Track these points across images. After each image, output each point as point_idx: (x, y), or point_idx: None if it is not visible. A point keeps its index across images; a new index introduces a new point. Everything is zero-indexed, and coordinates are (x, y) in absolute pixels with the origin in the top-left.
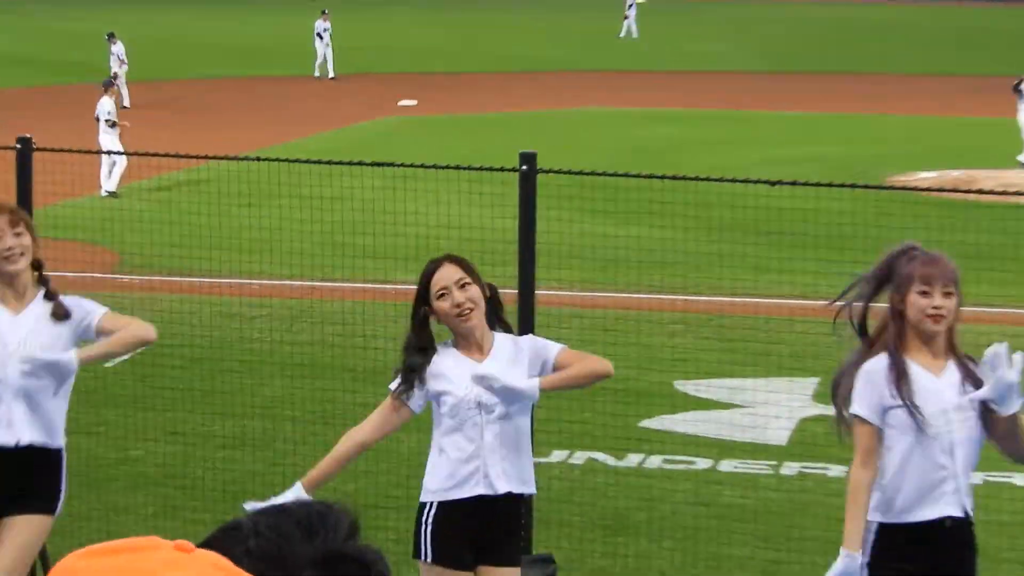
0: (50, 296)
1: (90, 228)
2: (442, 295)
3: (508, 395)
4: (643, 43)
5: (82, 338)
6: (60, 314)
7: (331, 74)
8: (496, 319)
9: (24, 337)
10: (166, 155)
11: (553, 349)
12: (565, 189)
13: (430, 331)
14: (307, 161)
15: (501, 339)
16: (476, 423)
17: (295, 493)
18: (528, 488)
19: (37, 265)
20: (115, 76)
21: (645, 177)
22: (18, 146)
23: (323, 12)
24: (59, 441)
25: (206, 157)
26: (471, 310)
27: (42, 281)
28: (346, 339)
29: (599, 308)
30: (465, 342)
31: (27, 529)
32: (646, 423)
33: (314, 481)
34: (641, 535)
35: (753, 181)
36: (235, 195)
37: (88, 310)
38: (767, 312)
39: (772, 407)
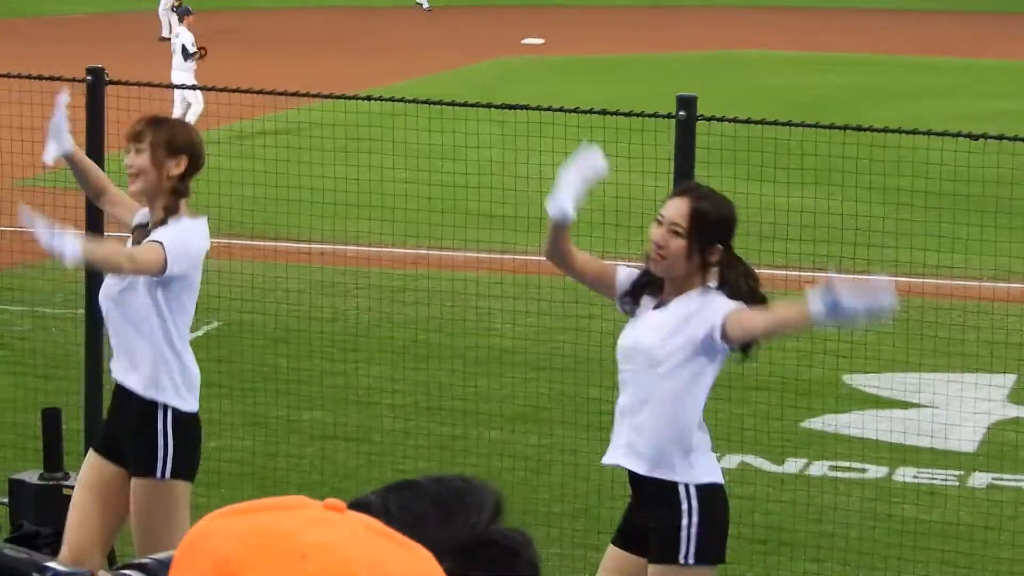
0: (156, 225)
1: None
2: (657, 221)
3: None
4: None
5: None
6: (133, 239)
7: (424, 3)
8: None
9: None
10: (258, 92)
11: (718, 312)
12: (715, 152)
13: None
14: (417, 102)
15: (690, 298)
16: (623, 378)
17: None
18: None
19: (177, 189)
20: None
21: (824, 127)
22: (89, 78)
23: None
24: (151, 391)
25: (302, 95)
26: (662, 258)
27: (167, 210)
28: (457, 318)
29: None
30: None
31: (135, 492)
32: (809, 423)
33: None
34: (802, 553)
35: (952, 134)
36: (327, 147)
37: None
38: (956, 295)
39: (959, 408)
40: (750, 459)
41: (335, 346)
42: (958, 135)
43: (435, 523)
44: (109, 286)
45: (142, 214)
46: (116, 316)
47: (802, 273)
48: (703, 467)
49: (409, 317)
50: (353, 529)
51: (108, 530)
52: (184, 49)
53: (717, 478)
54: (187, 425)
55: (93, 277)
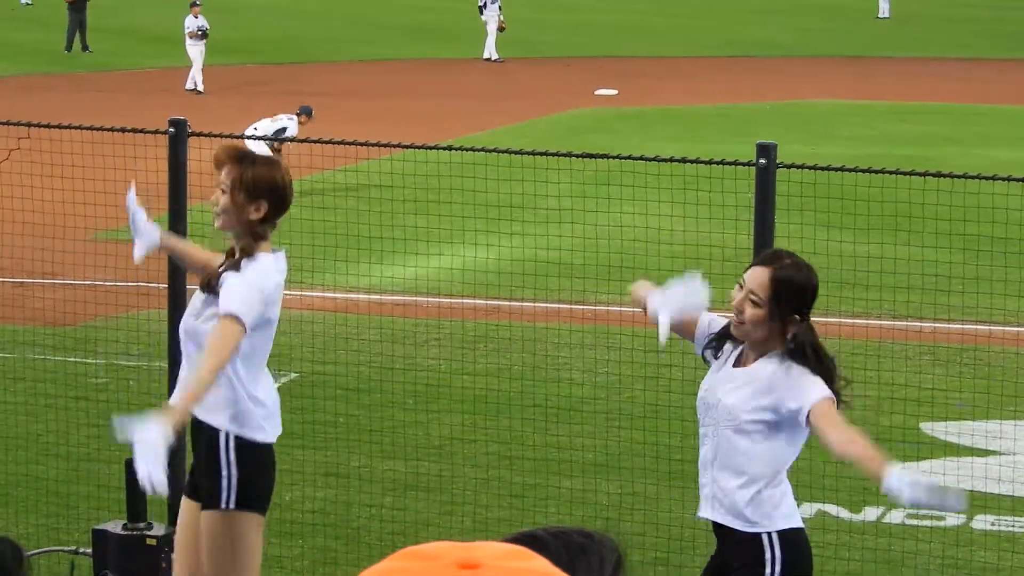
0: (229, 267)
1: None
2: (739, 286)
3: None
4: (892, 23)
5: None
6: (208, 287)
7: (494, 55)
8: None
9: (194, 298)
10: (338, 142)
11: (807, 396)
12: (794, 200)
13: None
14: (497, 151)
15: (770, 361)
16: (703, 431)
17: None
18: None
19: (254, 234)
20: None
21: (904, 174)
22: (171, 130)
23: None
24: (218, 419)
25: (381, 144)
26: (740, 323)
27: (244, 251)
28: (534, 369)
29: (832, 336)
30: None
31: (203, 524)
32: None
33: None
34: None
35: None
36: (403, 196)
37: (223, 294)
38: None
39: None
40: (828, 507)
41: (412, 396)
42: None
43: None
44: (188, 318)
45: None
46: (194, 349)
47: (882, 323)
48: (783, 514)
49: (485, 367)
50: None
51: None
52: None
53: (797, 523)
54: (254, 454)
55: (175, 326)
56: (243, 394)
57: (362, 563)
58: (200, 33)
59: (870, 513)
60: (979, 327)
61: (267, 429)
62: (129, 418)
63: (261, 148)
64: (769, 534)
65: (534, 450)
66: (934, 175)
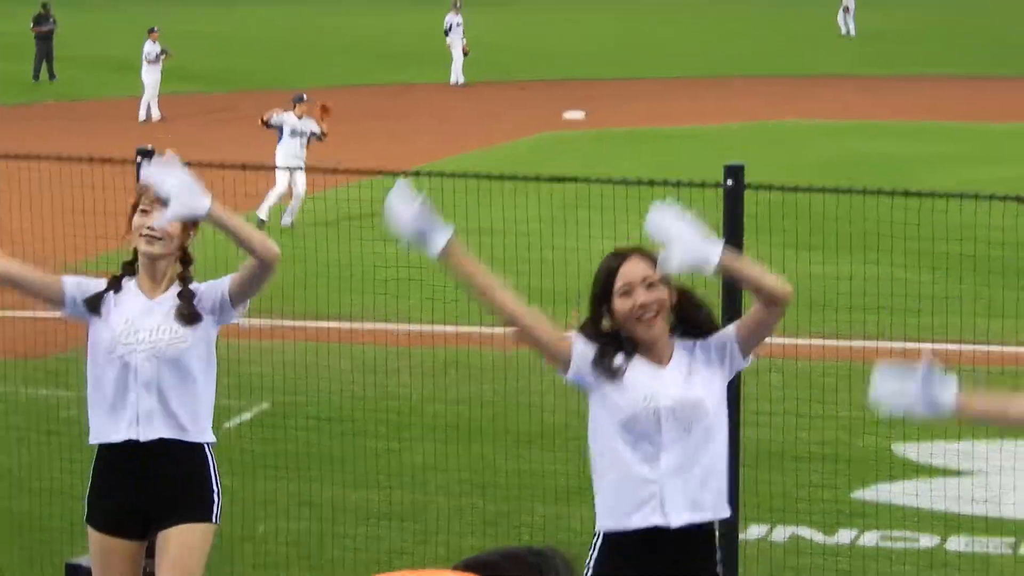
0: (184, 295)
1: (202, 264)
2: (625, 293)
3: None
4: (858, 42)
5: (222, 322)
6: (187, 316)
7: (460, 79)
8: (685, 326)
9: (157, 326)
10: (307, 169)
11: (731, 328)
12: (763, 221)
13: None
14: (466, 176)
15: (681, 346)
16: (663, 440)
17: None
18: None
19: (185, 259)
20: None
21: (872, 193)
22: (139, 159)
23: (455, 4)
24: (200, 435)
25: (349, 171)
26: (656, 314)
27: (182, 278)
28: (506, 396)
29: (803, 358)
30: (644, 349)
31: (181, 540)
32: (860, 494)
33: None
34: None
35: (1000, 198)
36: (369, 225)
37: (217, 287)
38: (1004, 362)
39: (1009, 475)
40: (801, 530)
41: (384, 425)
42: (1005, 198)
43: None
44: (159, 348)
45: (80, 283)
46: (169, 374)
47: (852, 343)
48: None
49: (457, 395)
50: None
51: None
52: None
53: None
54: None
55: None
56: (208, 403)
57: None
58: (156, 59)
59: (844, 536)
60: (949, 346)
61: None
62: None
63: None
64: (712, 523)
65: (507, 477)
66: (902, 194)
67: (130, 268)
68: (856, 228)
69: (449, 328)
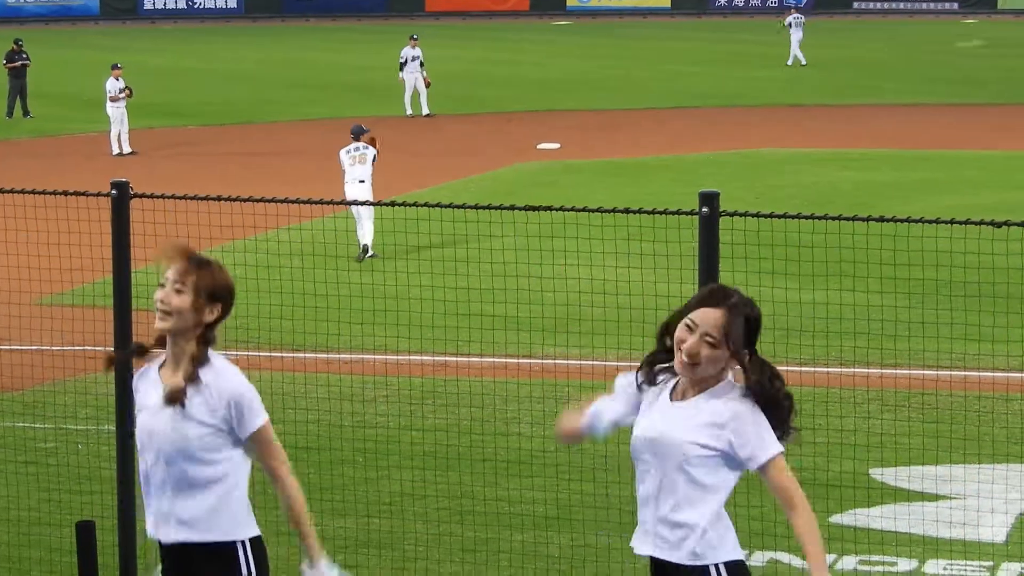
0: (186, 377)
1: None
2: (688, 328)
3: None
4: (812, 70)
5: (231, 436)
6: (169, 396)
7: (424, 110)
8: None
9: (166, 426)
10: (281, 201)
11: (763, 454)
12: (738, 248)
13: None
14: (441, 206)
15: (721, 391)
16: (642, 468)
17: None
18: None
19: (205, 339)
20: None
21: (847, 219)
22: (113, 192)
23: (412, 38)
24: (235, 533)
25: (325, 203)
26: (695, 365)
27: (194, 359)
28: (483, 423)
29: None
30: (677, 385)
31: None
32: (838, 518)
33: None
34: None
35: (976, 222)
36: (344, 255)
37: (243, 414)
38: (979, 388)
39: (986, 499)
40: (780, 555)
41: (361, 454)
42: (980, 223)
43: None
44: (166, 444)
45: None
46: (182, 464)
47: (829, 370)
48: (728, 546)
49: (434, 423)
50: None
51: None
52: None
53: (741, 555)
54: (263, 552)
55: (123, 393)
56: (244, 497)
57: None
58: (119, 94)
59: None
60: (926, 372)
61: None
62: None
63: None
64: (716, 566)
65: (485, 504)
66: (877, 220)
67: (160, 344)
68: (832, 255)
69: (426, 357)
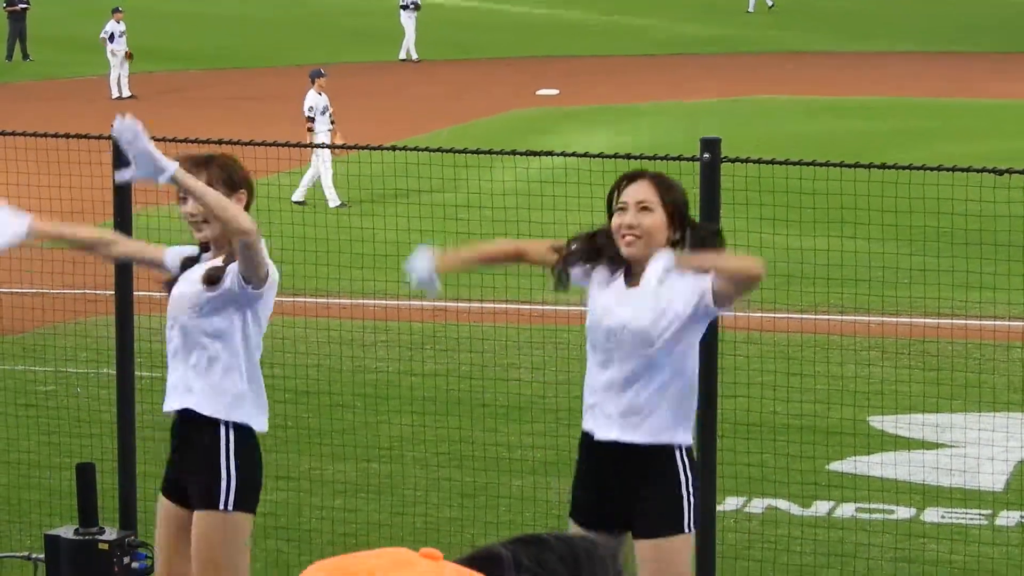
0: (228, 258)
1: (179, 240)
2: (620, 210)
3: None
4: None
5: (248, 301)
6: (210, 279)
7: (414, 56)
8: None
9: (184, 292)
10: (282, 144)
11: (703, 282)
12: (739, 194)
13: (599, 242)
14: (441, 150)
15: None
16: (602, 357)
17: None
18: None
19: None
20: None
21: (848, 167)
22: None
23: None
24: (217, 410)
25: (326, 147)
26: (637, 238)
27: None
28: (482, 368)
29: (780, 332)
30: (628, 267)
31: (195, 528)
32: (836, 466)
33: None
34: None
35: (977, 170)
36: (346, 200)
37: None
38: (979, 336)
39: (985, 447)
40: (778, 502)
41: (360, 399)
42: (982, 170)
43: None
44: (184, 316)
45: (181, 251)
46: (193, 348)
47: (829, 317)
48: (686, 429)
49: (433, 368)
50: None
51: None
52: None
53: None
54: (251, 450)
55: (123, 335)
56: (243, 383)
57: None
58: (116, 40)
59: (821, 507)
60: (926, 320)
61: (262, 418)
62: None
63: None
64: (679, 448)
65: (484, 449)
66: (878, 167)
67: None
68: (832, 202)
69: (425, 303)
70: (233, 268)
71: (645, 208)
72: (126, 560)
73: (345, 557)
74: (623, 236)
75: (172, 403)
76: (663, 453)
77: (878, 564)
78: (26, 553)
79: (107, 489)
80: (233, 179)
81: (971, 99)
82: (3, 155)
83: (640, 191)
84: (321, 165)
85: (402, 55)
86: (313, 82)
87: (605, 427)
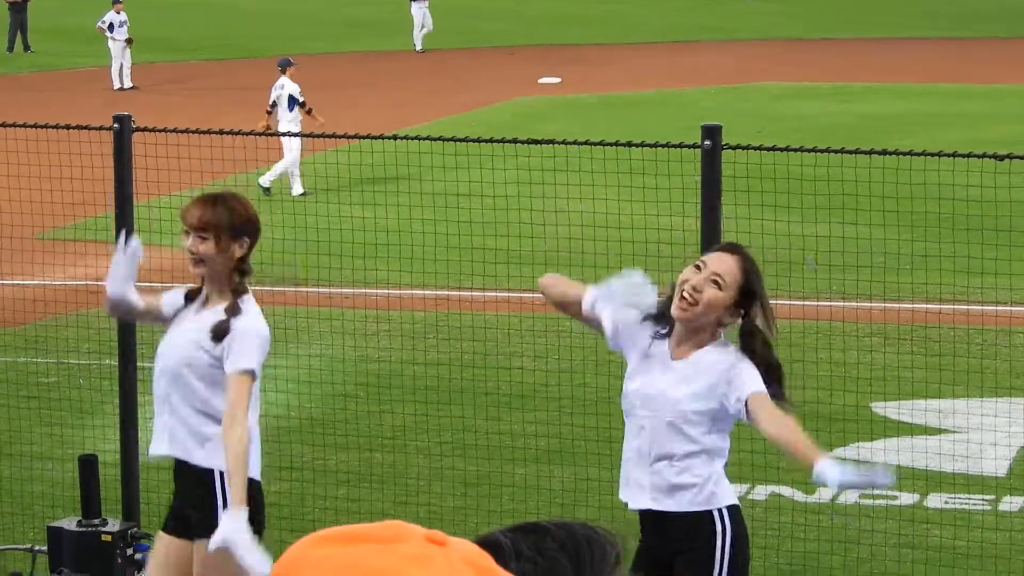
0: (231, 310)
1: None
2: (696, 267)
3: None
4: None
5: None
6: (217, 333)
7: (418, 46)
8: (745, 347)
9: (179, 340)
10: (282, 135)
11: (747, 386)
12: (740, 182)
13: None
14: (443, 139)
15: (710, 351)
16: (637, 423)
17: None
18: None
19: (242, 270)
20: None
21: (849, 153)
22: (115, 126)
23: None
24: (214, 462)
25: (327, 136)
26: (693, 304)
27: (235, 290)
28: (485, 357)
29: (782, 318)
30: (674, 337)
31: (197, 554)
32: (839, 452)
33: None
34: None
35: (978, 155)
36: (347, 190)
37: (236, 347)
38: (981, 322)
39: (988, 432)
40: (782, 489)
41: (363, 388)
42: (983, 156)
43: (563, 567)
44: (172, 361)
45: (173, 302)
46: (183, 391)
47: (832, 303)
48: (725, 493)
49: (436, 357)
50: (453, 567)
51: None
52: (291, 99)
53: (736, 500)
54: (253, 493)
55: (125, 327)
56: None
57: None
58: (115, 30)
59: (824, 494)
60: (928, 306)
61: (256, 467)
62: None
63: None
64: (719, 510)
65: (487, 438)
66: (880, 153)
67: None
68: (834, 188)
69: (427, 291)
70: (226, 347)
71: (717, 281)
72: (129, 551)
73: (350, 540)
74: (683, 295)
75: (160, 448)
76: (702, 519)
77: (881, 550)
78: (29, 545)
79: (110, 481)
80: (235, 226)
81: (972, 85)
82: (4, 146)
83: (724, 263)
84: (290, 153)
85: (418, 46)
86: (284, 71)
87: (638, 497)
